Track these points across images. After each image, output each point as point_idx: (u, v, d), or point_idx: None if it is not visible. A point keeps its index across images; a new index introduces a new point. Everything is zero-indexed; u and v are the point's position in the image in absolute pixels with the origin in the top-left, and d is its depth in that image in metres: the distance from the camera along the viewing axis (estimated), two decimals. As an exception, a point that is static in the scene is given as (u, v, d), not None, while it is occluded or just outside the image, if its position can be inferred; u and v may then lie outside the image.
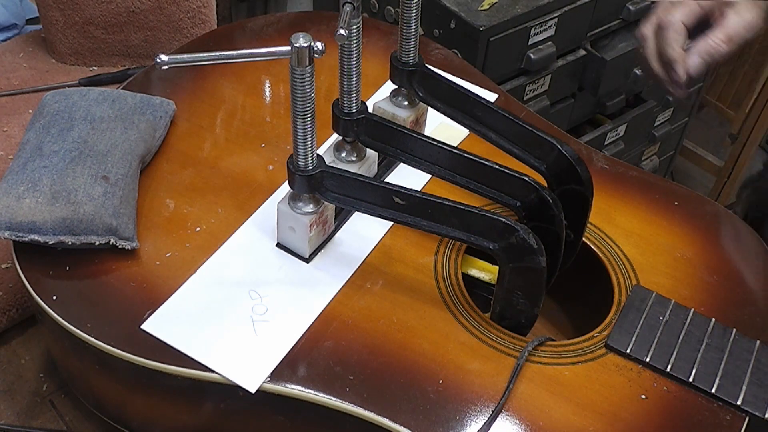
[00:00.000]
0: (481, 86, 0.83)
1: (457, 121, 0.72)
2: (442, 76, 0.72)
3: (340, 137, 0.69)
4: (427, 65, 0.71)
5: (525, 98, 1.24)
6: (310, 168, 0.62)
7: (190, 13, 1.03)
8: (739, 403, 0.60)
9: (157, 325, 0.62)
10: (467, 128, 0.71)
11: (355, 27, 0.62)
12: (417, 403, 0.59)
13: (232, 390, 0.59)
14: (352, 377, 0.60)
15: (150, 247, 0.67)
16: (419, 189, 0.71)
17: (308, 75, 0.57)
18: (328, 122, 0.68)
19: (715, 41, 0.77)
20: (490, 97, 0.83)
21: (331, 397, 0.59)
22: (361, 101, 0.67)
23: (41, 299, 0.63)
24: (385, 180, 0.74)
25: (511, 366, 0.61)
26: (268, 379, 0.59)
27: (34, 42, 1.09)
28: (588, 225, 0.69)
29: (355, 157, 0.70)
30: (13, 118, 0.95)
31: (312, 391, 0.59)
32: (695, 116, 1.66)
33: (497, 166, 0.65)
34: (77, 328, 0.61)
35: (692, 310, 0.65)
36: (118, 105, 0.73)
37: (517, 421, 0.58)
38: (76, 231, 0.64)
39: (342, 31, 0.58)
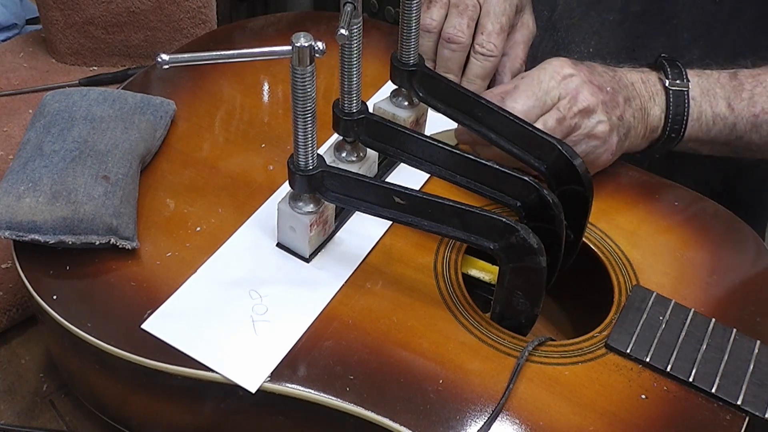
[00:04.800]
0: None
1: (457, 121, 0.72)
2: (442, 76, 0.72)
3: (341, 137, 0.69)
4: (427, 65, 0.71)
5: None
6: (311, 168, 0.62)
7: (190, 13, 1.03)
8: (739, 403, 0.60)
9: (157, 324, 0.62)
10: (467, 128, 0.71)
11: (355, 27, 0.62)
12: (417, 403, 0.59)
13: (232, 390, 0.59)
14: (352, 377, 0.60)
15: (150, 246, 0.67)
16: (419, 189, 0.71)
17: (309, 75, 0.57)
18: (328, 122, 0.68)
19: (521, 62, 0.82)
20: (490, 97, 0.83)
21: (331, 397, 0.59)
22: (362, 101, 0.67)
23: (41, 299, 0.63)
24: (386, 180, 0.74)
25: (511, 366, 0.61)
26: (269, 378, 0.59)
27: (34, 42, 1.09)
28: (588, 225, 0.69)
29: (356, 157, 0.70)
30: (13, 118, 0.95)
31: (312, 391, 0.59)
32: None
33: (497, 166, 0.65)
34: (77, 327, 0.61)
35: (692, 310, 0.65)
36: (119, 105, 0.73)
37: (517, 421, 0.59)
38: (76, 231, 0.64)
39: (343, 31, 0.58)
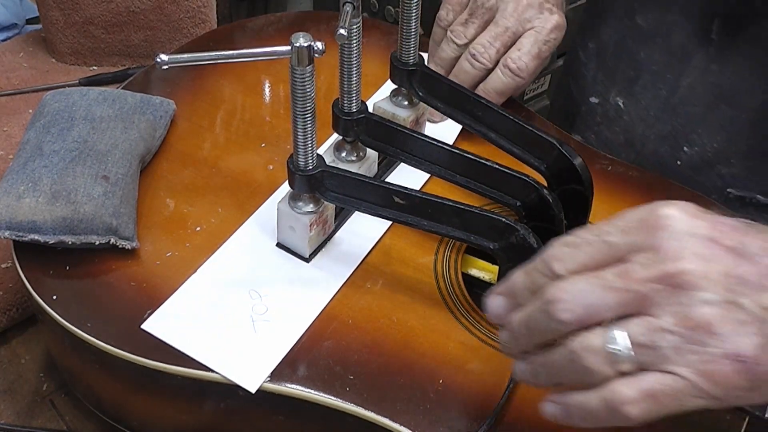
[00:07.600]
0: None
1: (457, 121, 0.72)
2: (442, 76, 0.72)
3: (340, 137, 0.69)
4: (427, 65, 0.71)
5: (525, 98, 1.24)
6: (310, 168, 0.62)
7: (190, 13, 1.03)
8: (739, 402, 0.60)
9: (157, 324, 0.62)
10: (467, 128, 0.71)
11: (355, 27, 0.62)
12: (417, 402, 0.59)
13: (232, 390, 0.59)
14: (352, 377, 0.60)
15: (150, 246, 0.67)
16: (419, 189, 0.71)
17: (308, 75, 0.57)
18: (328, 122, 0.68)
19: (507, 79, 0.76)
20: (490, 96, 0.83)
21: (331, 397, 0.59)
22: (362, 101, 0.67)
23: (41, 299, 0.63)
24: (386, 180, 0.74)
25: (512, 366, 0.61)
26: (269, 378, 0.59)
27: (34, 42, 1.09)
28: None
29: (355, 157, 0.70)
30: (13, 118, 0.95)
31: (312, 391, 0.59)
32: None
33: (497, 166, 0.65)
34: (77, 327, 0.61)
35: (692, 309, 0.65)
36: (118, 105, 0.73)
37: (518, 421, 0.58)
38: (76, 230, 0.64)
39: (342, 31, 0.58)
